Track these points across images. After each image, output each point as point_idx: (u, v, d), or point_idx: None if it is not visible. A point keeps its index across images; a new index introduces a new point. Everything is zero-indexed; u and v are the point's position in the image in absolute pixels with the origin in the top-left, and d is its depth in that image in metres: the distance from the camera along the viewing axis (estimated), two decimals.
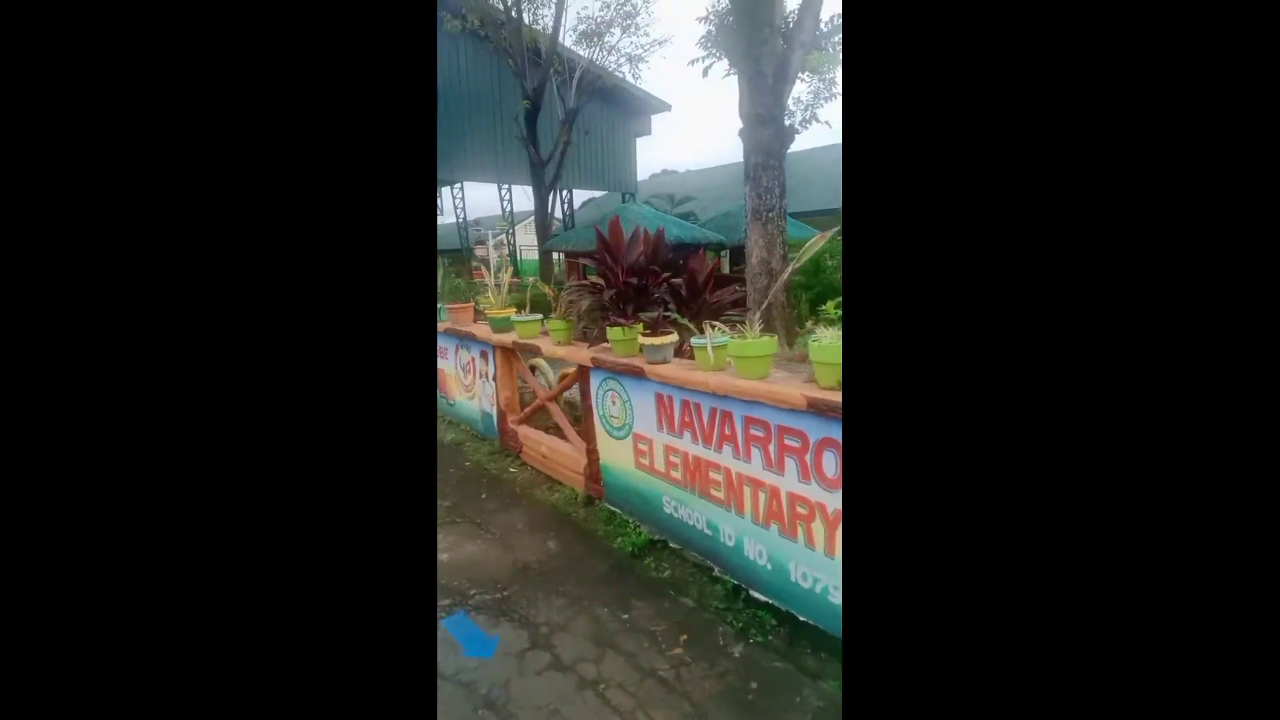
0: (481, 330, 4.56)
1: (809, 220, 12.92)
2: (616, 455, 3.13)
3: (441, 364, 5.23)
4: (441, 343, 5.19)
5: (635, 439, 2.97)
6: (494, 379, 4.38)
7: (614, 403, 3.10)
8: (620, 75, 14.95)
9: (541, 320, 3.87)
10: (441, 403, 5.35)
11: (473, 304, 4.83)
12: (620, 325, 2.92)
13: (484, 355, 4.56)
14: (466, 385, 4.88)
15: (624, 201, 19.25)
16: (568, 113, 13.57)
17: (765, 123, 7.12)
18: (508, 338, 4.13)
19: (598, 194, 24.75)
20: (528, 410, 4.25)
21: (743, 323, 2.48)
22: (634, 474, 3.02)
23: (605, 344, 3.17)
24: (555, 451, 3.74)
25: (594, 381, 3.24)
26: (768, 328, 7.61)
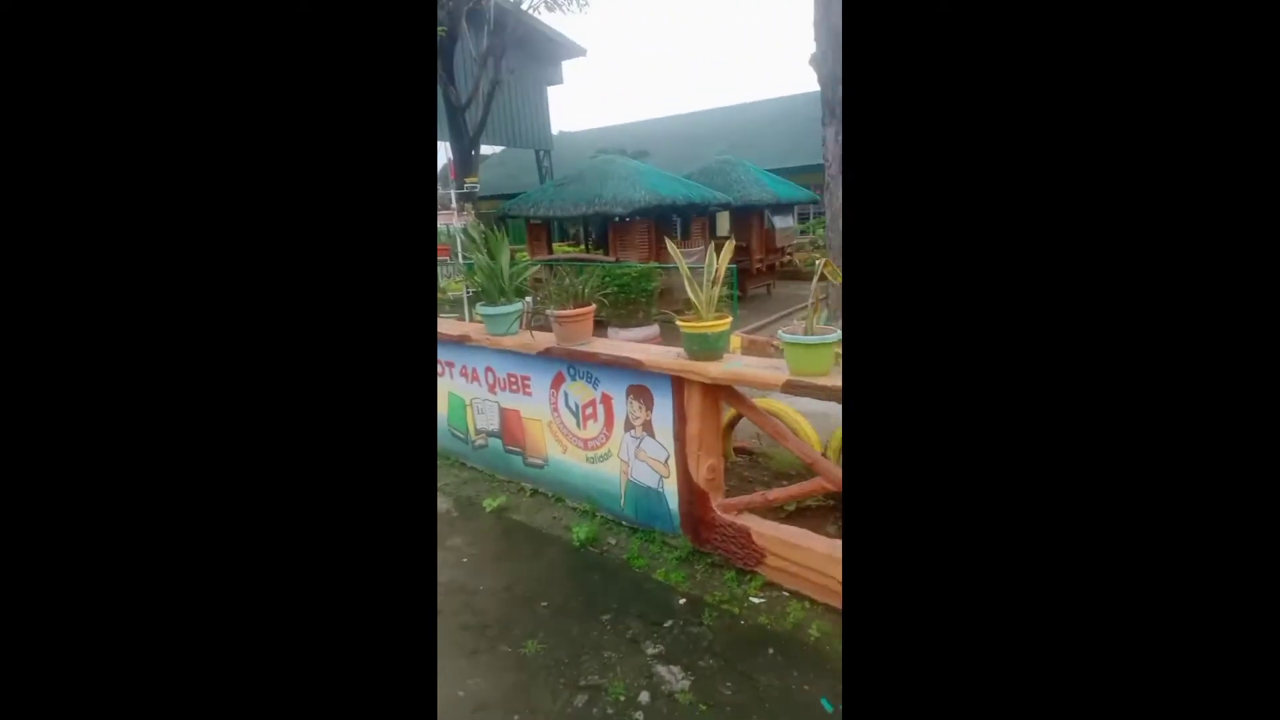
0: (634, 351, 2.66)
1: (796, 178, 11.62)
2: None
3: (517, 402, 3.21)
4: (516, 369, 3.16)
5: None
6: (683, 435, 2.53)
7: None
8: (533, 13, 12.52)
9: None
10: (513, 462, 3.33)
11: (593, 309, 2.87)
12: None
13: (638, 394, 2.67)
14: (585, 439, 2.95)
15: (539, 159, 16.81)
16: (488, 46, 11.01)
17: None
18: (717, 369, 2.31)
19: (492, 151, 21.71)
20: (783, 493, 2.46)
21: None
22: None
23: None
24: None
25: None
26: None
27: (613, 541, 2.77)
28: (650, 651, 2.05)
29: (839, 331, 2.12)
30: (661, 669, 1.97)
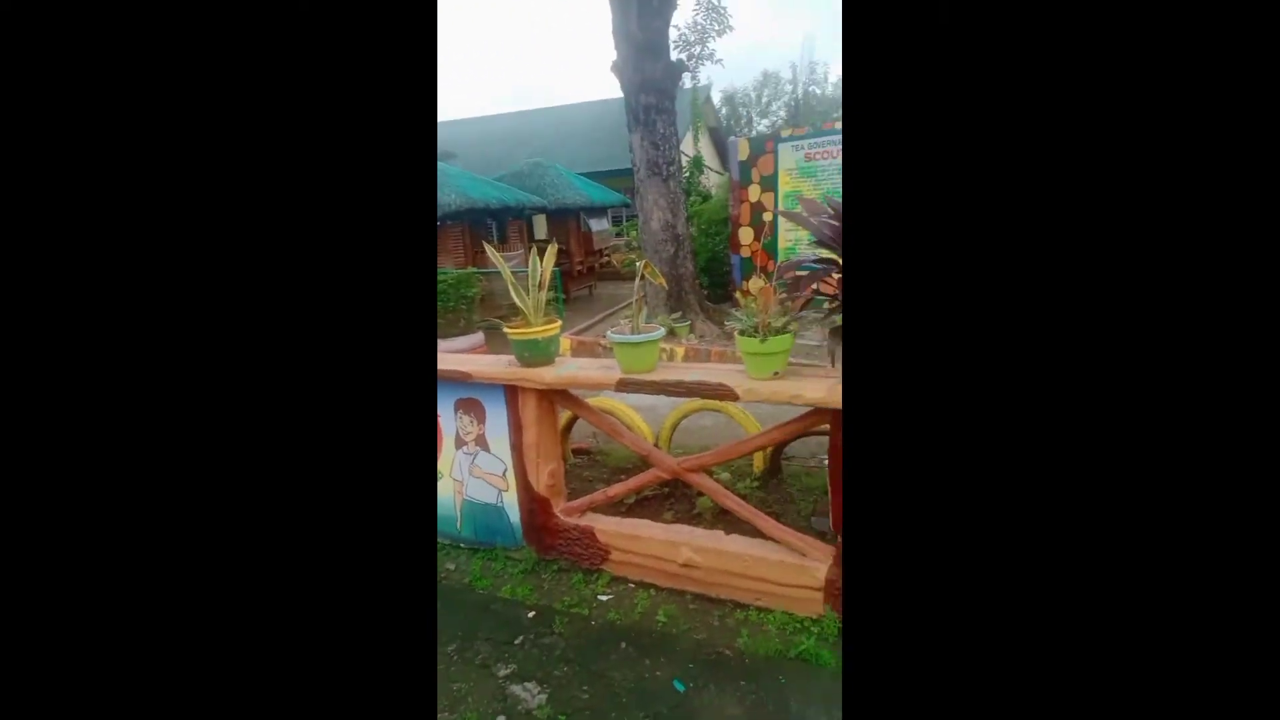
0: (460, 362, 2.53)
1: (607, 182, 11.86)
2: None
3: None
4: None
5: None
6: (520, 445, 2.46)
7: None
8: None
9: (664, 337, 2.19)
10: None
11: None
12: None
13: (468, 408, 2.55)
14: None
15: None
16: None
17: (653, 53, 5.80)
18: (551, 374, 2.30)
19: None
20: (622, 487, 2.48)
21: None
22: None
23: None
24: (726, 556, 2.19)
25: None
26: (679, 304, 6.45)
27: (451, 567, 2.61)
28: (502, 673, 1.97)
29: (662, 329, 2.22)
30: (516, 688, 1.90)
